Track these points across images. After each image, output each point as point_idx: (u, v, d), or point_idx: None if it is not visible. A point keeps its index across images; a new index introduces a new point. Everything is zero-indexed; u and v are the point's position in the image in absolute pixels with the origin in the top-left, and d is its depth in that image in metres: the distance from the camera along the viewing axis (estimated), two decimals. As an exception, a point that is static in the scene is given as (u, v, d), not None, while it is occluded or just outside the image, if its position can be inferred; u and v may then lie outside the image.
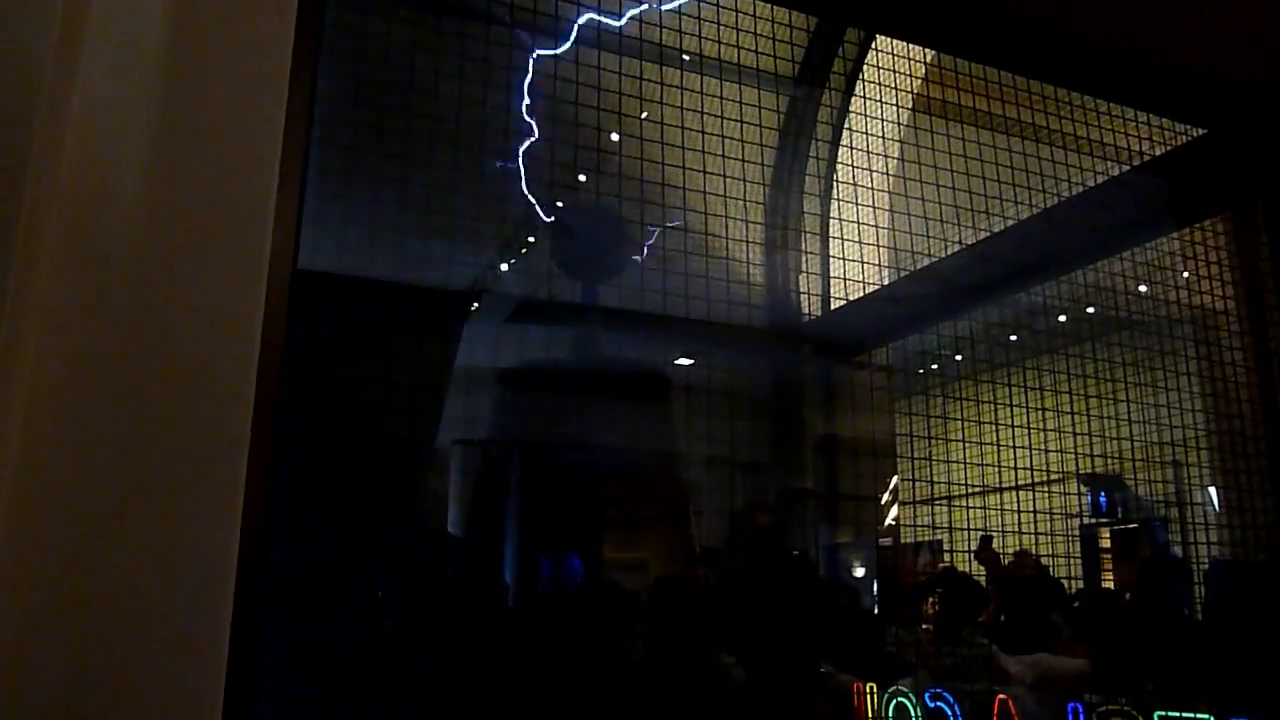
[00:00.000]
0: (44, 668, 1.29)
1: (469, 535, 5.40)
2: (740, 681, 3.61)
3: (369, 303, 3.70)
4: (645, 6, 3.77)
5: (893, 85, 4.57)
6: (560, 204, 5.54)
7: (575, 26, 3.79)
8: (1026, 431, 4.43)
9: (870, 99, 4.60)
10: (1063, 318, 5.22)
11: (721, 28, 3.94)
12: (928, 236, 4.30)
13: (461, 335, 4.43)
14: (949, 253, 5.00)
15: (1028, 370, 4.70)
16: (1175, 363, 4.83)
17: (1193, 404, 4.85)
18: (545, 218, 5.42)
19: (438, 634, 3.33)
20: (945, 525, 4.97)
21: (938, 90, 4.62)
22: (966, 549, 5.16)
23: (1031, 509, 4.72)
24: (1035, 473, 4.55)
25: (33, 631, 1.27)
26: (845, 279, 4.40)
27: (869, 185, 4.47)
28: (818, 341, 6.73)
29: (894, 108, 4.75)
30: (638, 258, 4.57)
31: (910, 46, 4.69)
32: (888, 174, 4.72)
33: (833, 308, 6.17)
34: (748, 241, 4.61)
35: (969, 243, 4.93)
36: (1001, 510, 4.58)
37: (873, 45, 5.24)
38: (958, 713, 3.50)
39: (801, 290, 6.49)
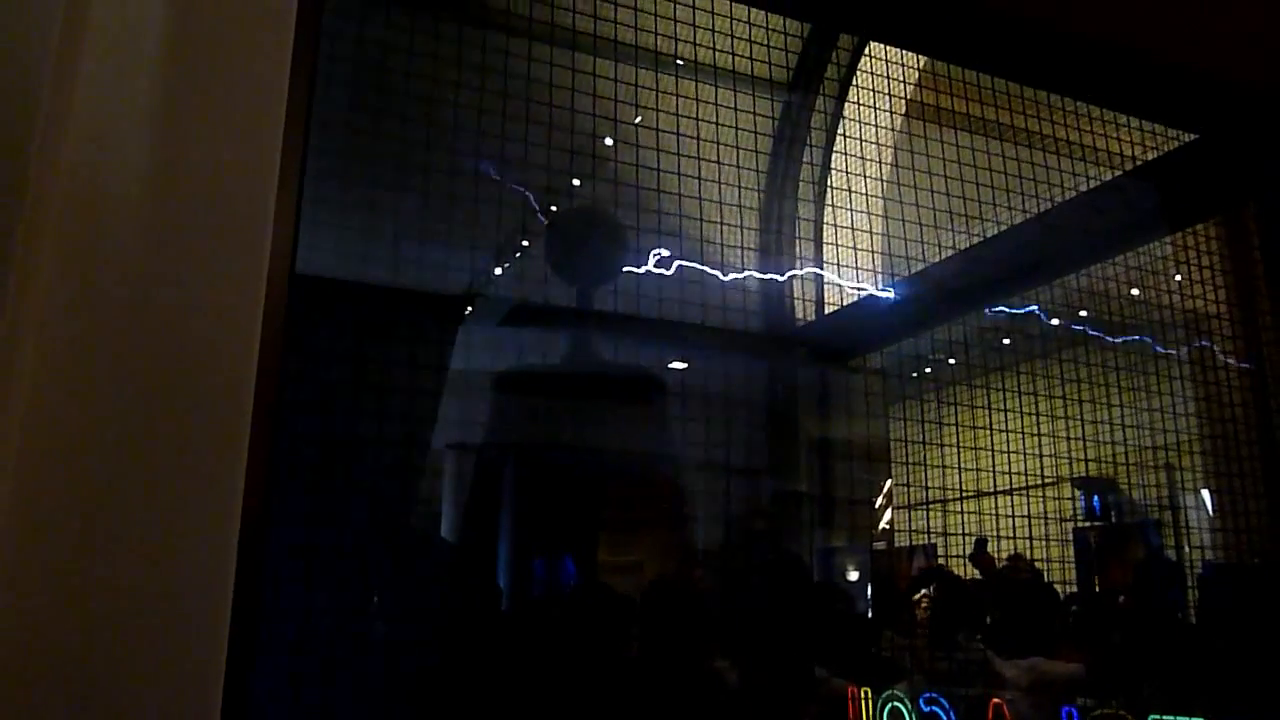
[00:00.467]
0: (42, 666, 1.29)
1: (463, 538, 5.40)
2: (735, 685, 3.61)
3: (362, 306, 3.70)
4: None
5: (886, 91, 4.58)
6: (554, 208, 5.55)
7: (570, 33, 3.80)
8: (1020, 435, 4.45)
9: (864, 104, 4.62)
10: (1055, 321, 5.23)
11: (715, 34, 3.96)
12: (922, 241, 4.32)
13: (456, 339, 4.44)
14: (942, 257, 5.02)
15: (1021, 374, 4.71)
16: (1168, 366, 4.85)
17: (1185, 407, 4.86)
18: (540, 221, 5.43)
19: (433, 637, 3.33)
20: (940, 529, 4.97)
21: (931, 96, 4.64)
22: (961, 553, 5.17)
23: (1025, 512, 4.73)
24: (1029, 476, 4.57)
25: (31, 629, 1.27)
26: (841, 283, 4.40)
27: (863, 190, 4.48)
28: (812, 345, 6.74)
29: (887, 113, 4.76)
30: (632, 267, 4.58)
31: (903, 52, 4.71)
32: (882, 179, 4.73)
33: (826, 312, 6.18)
34: (742, 247, 4.62)
35: (962, 247, 4.95)
36: (996, 514, 4.59)
37: (866, 51, 5.26)
38: (952, 717, 3.51)
39: (795, 294, 6.50)
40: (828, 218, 5.93)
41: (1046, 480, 4.79)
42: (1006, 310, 5.26)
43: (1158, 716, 3.41)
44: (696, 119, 3.92)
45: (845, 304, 5.30)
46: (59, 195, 1.36)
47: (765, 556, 5.26)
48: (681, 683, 3.53)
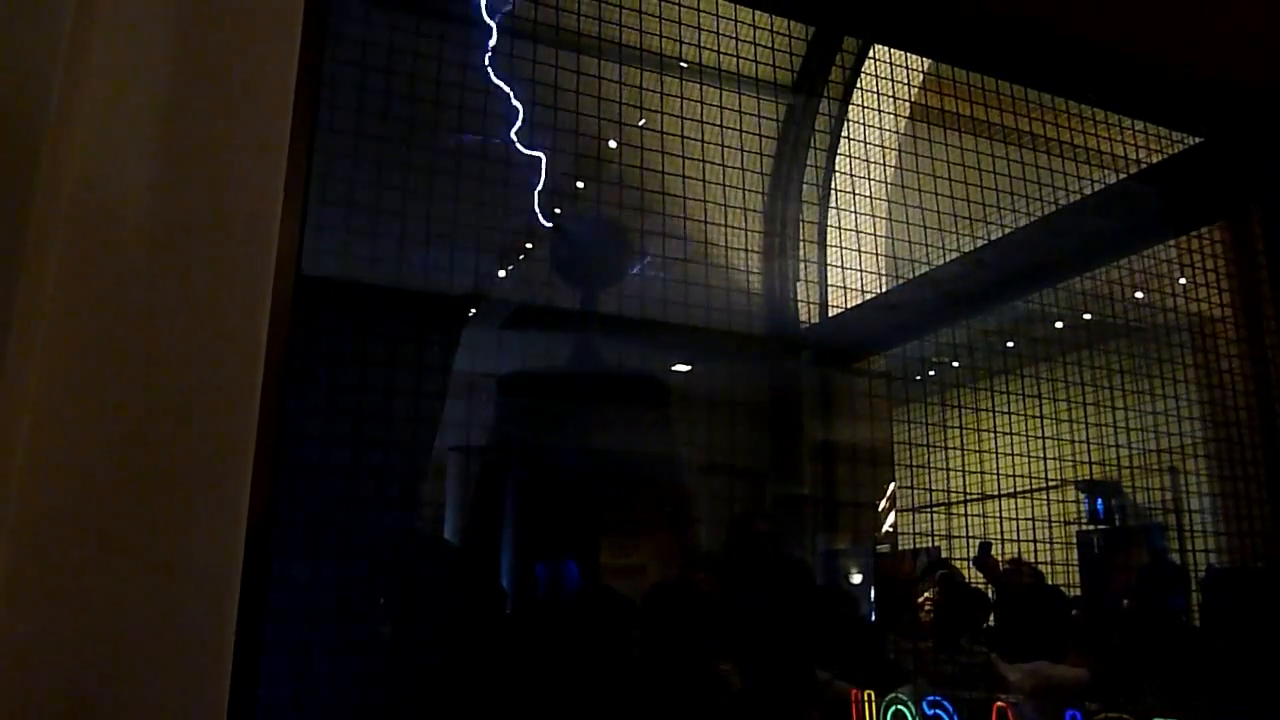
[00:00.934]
0: (50, 667, 1.29)
1: (467, 541, 5.40)
2: (738, 688, 3.61)
3: (366, 308, 3.70)
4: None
5: (890, 93, 4.58)
6: (558, 210, 5.55)
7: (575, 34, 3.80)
8: (1024, 438, 4.44)
9: (868, 107, 4.62)
10: (1059, 325, 5.23)
11: (720, 36, 3.96)
12: (926, 244, 4.31)
13: (459, 341, 4.44)
14: (946, 260, 5.01)
15: (1025, 377, 4.71)
16: (1172, 370, 4.85)
17: (1189, 410, 4.85)
18: (544, 224, 5.43)
19: (438, 639, 3.33)
20: (943, 532, 4.97)
21: (935, 99, 4.64)
22: (965, 555, 5.16)
23: (1029, 516, 4.73)
24: (1032, 479, 4.56)
25: (40, 629, 1.28)
26: (845, 286, 4.40)
27: (867, 193, 4.48)
28: (815, 348, 6.74)
29: (891, 116, 4.76)
30: (636, 269, 4.58)
31: (907, 55, 4.71)
32: (886, 182, 4.73)
33: (830, 314, 6.18)
34: (746, 249, 4.62)
35: (966, 250, 4.95)
36: (1001, 516, 4.58)
37: (870, 54, 5.26)
38: (956, 720, 3.50)
39: (799, 297, 6.50)
40: (831, 220, 5.93)
41: (1050, 483, 4.78)
42: (1010, 313, 5.26)
43: (1162, 720, 3.40)
44: (701, 121, 3.92)
45: (849, 306, 5.30)
46: (66, 198, 1.36)
47: (768, 559, 5.25)
48: (685, 685, 3.53)
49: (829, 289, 6.16)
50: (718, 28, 3.92)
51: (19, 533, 1.28)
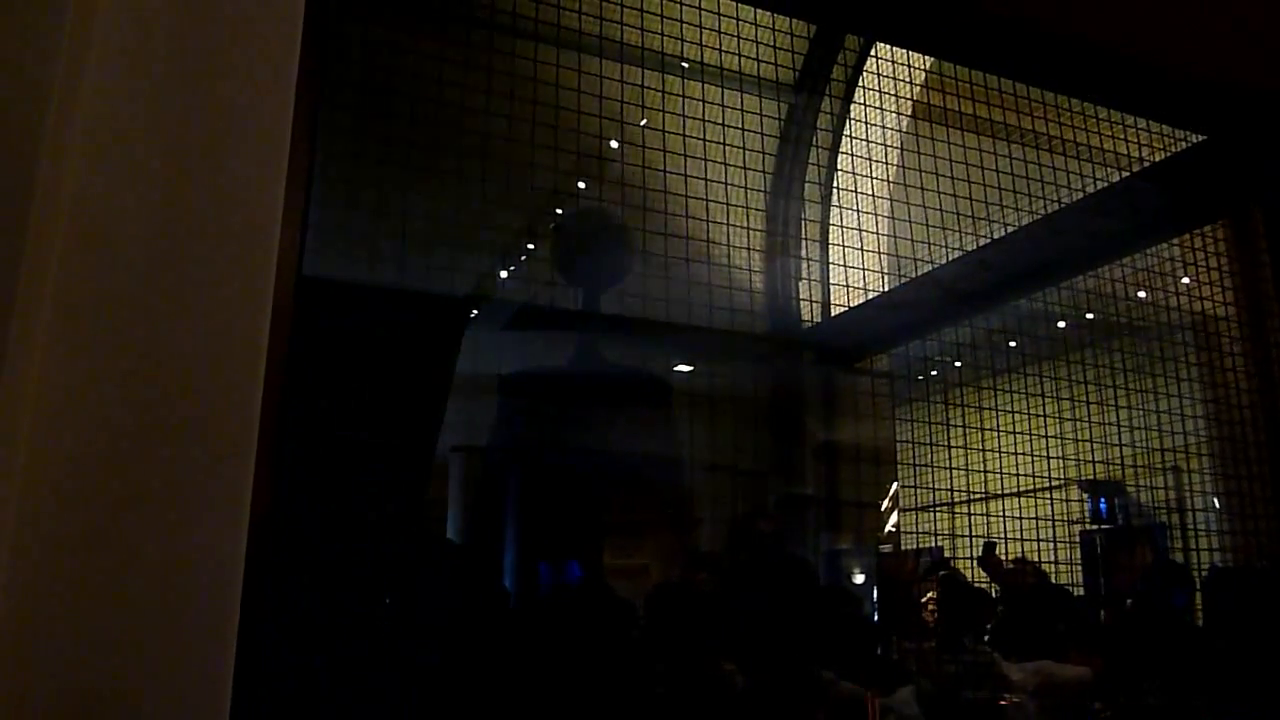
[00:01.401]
0: (51, 667, 1.29)
1: (470, 541, 5.40)
2: (741, 689, 3.60)
3: (367, 308, 3.70)
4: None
5: (892, 92, 4.57)
6: (560, 210, 5.55)
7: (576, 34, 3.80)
8: (1028, 437, 4.43)
9: (870, 105, 4.61)
10: (1062, 324, 5.22)
11: (722, 35, 3.95)
12: (928, 243, 4.31)
13: (461, 341, 4.44)
14: (949, 259, 5.01)
15: (1028, 376, 4.70)
16: (1175, 369, 4.84)
17: (1194, 410, 4.85)
18: (546, 224, 5.43)
19: (441, 640, 3.33)
20: (946, 532, 4.96)
21: (937, 97, 4.63)
22: (969, 554, 5.15)
23: (1034, 515, 4.72)
24: (1035, 479, 4.55)
25: (40, 630, 1.27)
26: (847, 285, 4.39)
27: (869, 192, 4.48)
28: (818, 348, 6.73)
29: (894, 114, 4.75)
30: (637, 270, 4.57)
31: (909, 54, 4.71)
32: (888, 180, 4.73)
33: (833, 314, 6.17)
34: (749, 248, 4.61)
35: (969, 249, 4.94)
36: (1004, 515, 4.57)
37: (872, 52, 5.26)
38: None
39: (802, 297, 6.49)
40: (833, 218, 5.92)
41: (1054, 483, 4.77)
42: (1013, 312, 5.25)
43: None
44: (703, 120, 3.92)
45: (851, 306, 5.29)
46: (67, 200, 1.36)
47: (771, 559, 5.25)
48: (689, 686, 3.53)
49: (831, 288, 6.16)
50: (719, 26, 3.91)
51: (21, 530, 1.28)
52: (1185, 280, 5.02)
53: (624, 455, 5.74)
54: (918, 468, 4.72)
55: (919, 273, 4.71)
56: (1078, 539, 6.69)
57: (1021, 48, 3.84)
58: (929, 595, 5.20)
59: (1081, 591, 6.10)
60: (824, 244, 6.21)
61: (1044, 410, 4.45)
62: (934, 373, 5.66)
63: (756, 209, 5.25)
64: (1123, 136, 4.59)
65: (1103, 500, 6.71)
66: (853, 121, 5.55)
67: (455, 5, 4.44)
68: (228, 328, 1.49)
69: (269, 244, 1.52)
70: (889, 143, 4.78)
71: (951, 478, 4.38)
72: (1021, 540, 4.69)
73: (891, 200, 4.58)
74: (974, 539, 4.78)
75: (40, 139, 1.26)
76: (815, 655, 3.72)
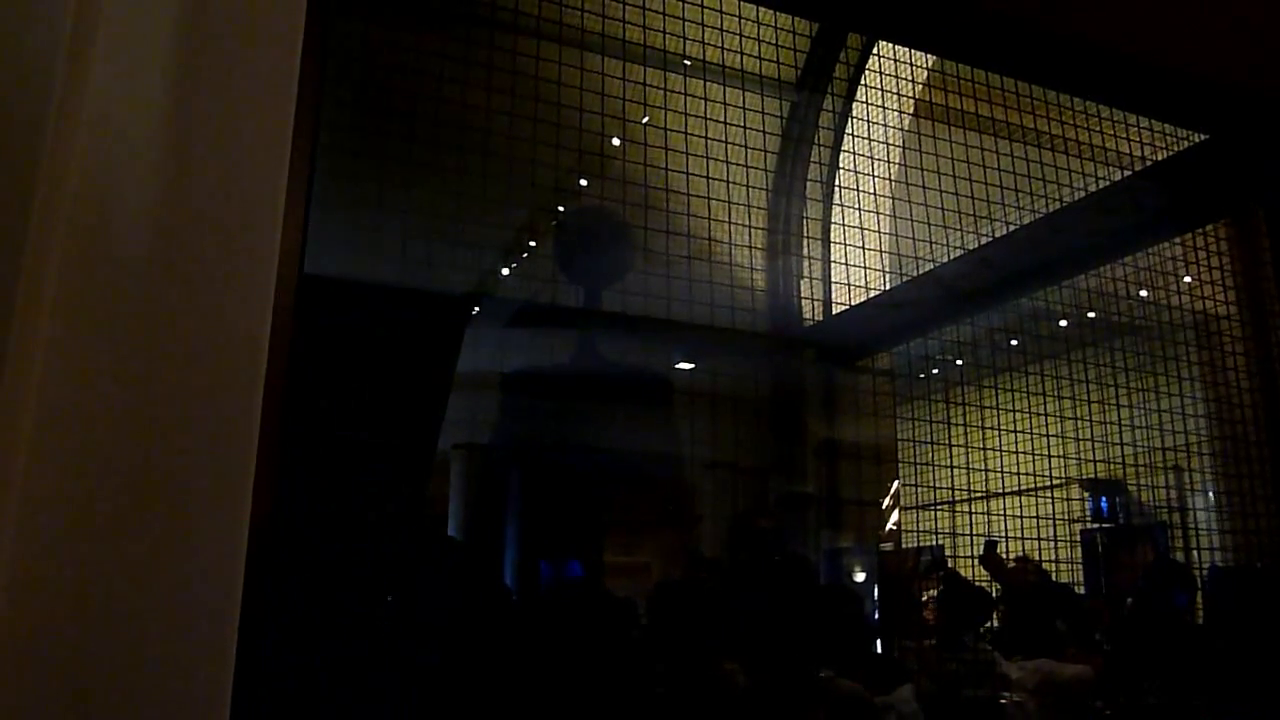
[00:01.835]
0: (53, 668, 1.29)
1: (471, 539, 5.40)
2: (742, 687, 3.61)
3: (369, 307, 3.70)
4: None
5: (894, 90, 4.57)
6: (561, 208, 5.54)
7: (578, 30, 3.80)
8: (1029, 436, 4.43)
9: (872, 104, 4.61)
10: (1064, 323, 5.22)
11: (724, 33, 3.95)
12: (930, 241, 4.30)
13: (461, 339, 4.44)
14: (950, 258, 5.00)
15: (1029, 375, 4.70)
16: (1177, 368, 4.84)
17: (1195, 409, 4.84)
18: (547, 222, 5.42)
19: (443, 639, 3.33)
20: (948, 530, 4.96)
21: (940, 95, 4.63)
22: (970, 553, 5.15)
23: (1034, 514, 4.72)
24: (1036, 478, 4.55)
25: (41, 629, 1.27)
26: (849, 284, 4.39)
27: (871, 191, 4.47)
28: (819, 346, 6.73)
29: (896, 113, 4.75)
30: (639, 267, 4.57)
31: (912, 52, 4.70)
32: (890, 179, 4.72)
33: (834, 312, 6.17)
34: (750, 247, 4.61)
35: (970, 247, 4.94)
36: (1005, 514, 4.57)
37: (874, 50, 5.25)
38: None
39: (803, 295, 6.49)
40: (835, 217, 5.92)
41: (1055, 482, 4.77)
42: (1015, 310, 5.25)
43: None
44: (705, 118, 3.91)
45: (853, 304, 5.29)
46: (68, 198, 1.36)
47: (771, 557, 5.25)
48: (690, 685, 3.53)
49: (832, 287, 6.16)
50: (721, 24, 3.91)
51: (21, 533, 1.28)
52: (1187, 279, 5.02)
53: (625, 453, 5.74)
54: (918, 466, 4.72)
55: (920, 271, 4.70)
56: (1078, 538, 6.69)
57: (1022, 46, 3.84)
58: (929, 594, 5.20)
59: (1082, 590, 6.11)
60: (825, 242, 6.21)
61: (1045, 409, 4.44)
62: (935, 371, 5.65)
63: (758, 207, 5.24)
64: (1124, 135, 4.59)
65: (1104, 499, 6.71)
66: (855, 120, 5.55)
67: (455, 2, 4.44)
68: (230, 326, 1.48)
69: (271, 242, 1.52)
70: (891, 141, 4.77)
71: (953, 476, 4.38)
72: (1022, 539, 4.69)
73: (894, 199, 4.58)
74: (975, 538, 4.78)
75: (43, 142, 1.26)
76: (815, 654, 3.72)
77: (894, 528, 6.85)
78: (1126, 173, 4.66)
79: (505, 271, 6.04)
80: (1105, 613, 5.42)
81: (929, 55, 4.78)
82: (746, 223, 4.31)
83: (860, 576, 6.86)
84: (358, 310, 3.55)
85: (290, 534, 2.21)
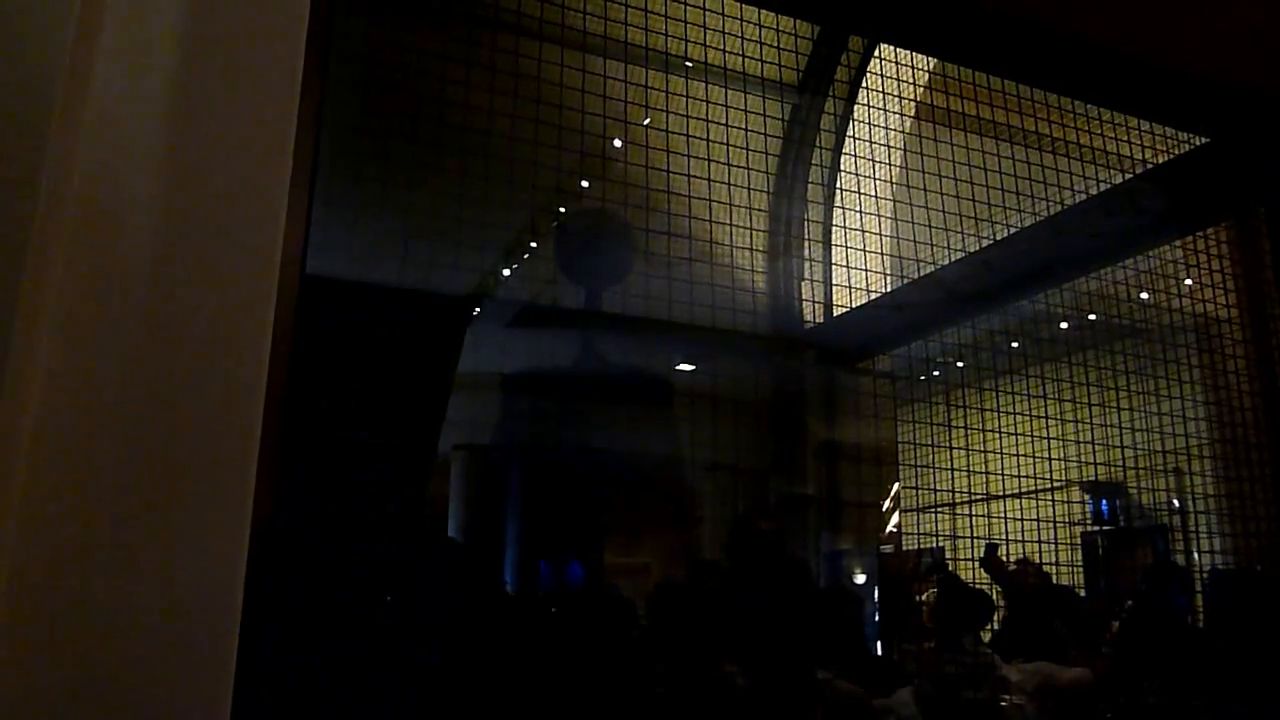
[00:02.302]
0: (54, 667, 1.29)
1: (471, 540, 5.40)
2: (742, 688, 3.60)
3: (369, 307, 3.70)
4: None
5: (895, 93, 4.57)
6: (562, 210, 5.55)
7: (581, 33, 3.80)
8: (1030, 439, 4.43)
9: (873, 106, 4.61)
10: (1064, 325, 5.22)
11: (726, 35, 3.95)
12: (931, 244, 4.30)
13: (462, 340, 4.44)
14: (951, 260, 5.01)
15: (1030, 377, 4.70)
16: (1178, 370, 4.83)
17: (1195, 412, 4.84)
18: (548, 223, 5.43)
19: (443, 639, 3.33)
20: (948, 532, 4.96)
21: (941, 98, 4.63)
22: (970, 556, 5.15)
23: (1035, 516, 4.72)
24: (1038, 480, 4.55)
25: (44, 630, 1.28)
26: (850, 285, 4.39)
27: (872, 193, 4.47)
28: (820, 348, 6.73)
29: (897, 115, 4.75)
30: (639, 269, 4.57)
31: (913, 55, 4.70)
32: (891, 181, 4.72)
33: (835, 314, 6.17)
34: (751, 249, 4.61)
35: (971, 250, 4.94)
36: (1006, 516, 4.57)
37: (876, 53, 5.25)
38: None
39: (804, 297, 6.49)
40: (836, 219, 5.92)
41: (1055, 484, 4.77)
42: (1015, 313, 5.25)
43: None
44: (707, 120, 3.91)
45: (853, 306, 5.29)
46: (72, 198, 1.36)
47: (771, 558, 5.25)
48: (689, 686, 3.53)
49: (833, 289, 6.15)
50: (723, 27, 3.91)
51: (23, 529, 1.28)
52: (1188, 282, 5.02)
53: (625, 454, 5.74)
54: (919, 468, 4.72)
55: (921, 273, 4.71)
56: (1079, 541, 6.70)
57: (1023, 48, 3.84)
58: (927, 594, 5.20)
59: (1083, 593, 6.11)
60: (826, 244, 6.21)
61: (1045, 411, 4.44)
62: (935, 374, 5.66)
63: (759, 209, 5.25)
64: (1125, 138, 4.59)
65: (1104, 501, 6.72)
66: (856, 123, 5.55)
67: (457, 3, 4.44)
68: (232, 326, 1.49)
69: (274, 242, 1.52)
70: (892, 143, 4.77)
71: (953, 479, 4.38)
72: (1023, 541, 4.69)
73: (895, 201, 4.58)
74: (975, 540, 4.78)
75: (46, 142, 1.26)
76: (814, 655, 3.72)
77: (894, 530, 6.85)
78: (1127, 175, 4.67)
79: (506, 273, 6.04)
80: (1108, 620, 5.42)
81: (929, 58, 4.78)
82: (747, 225, 4.31)
83: (860, 578, 6.86)
84: (356, 311, 3.55)
85: (290, 534, 2.21)
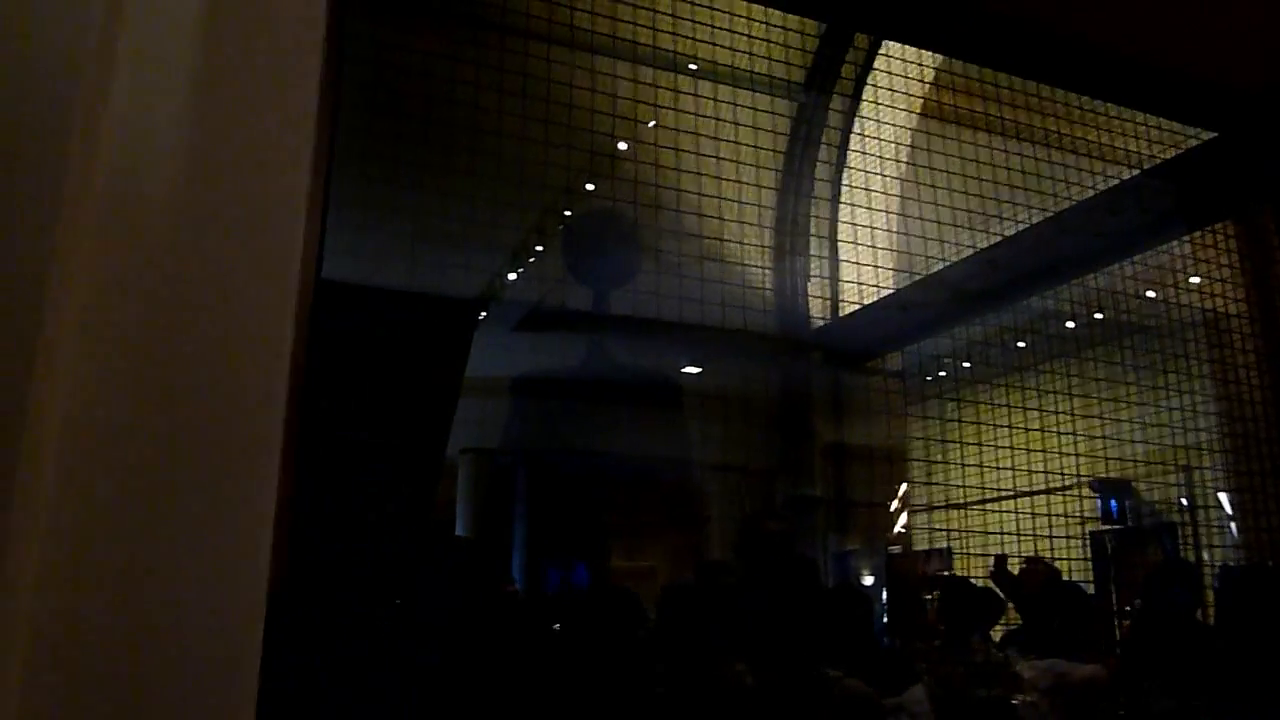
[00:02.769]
0: (76, 675, 1.29)
1: (481, 542, 5.40)
2: (751, 688, 3.59)
3: (379, 311, 3.69)
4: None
5: (904, 90, 4.56)
6: (569, 212, 5.55)
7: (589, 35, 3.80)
8: (1041, 435, 4.42)
9: (881, 103, 4.59)
10: (1071, 324, 5.21)
11: (734, 35, 3.94)
12: (940, 239, 4.29)
13: (471, 343, 4.44)
14: (959, 258, 4.99)
15: (1040, 373, 4.69)
16: (1187, 365, 4.81)
17: (1205, 408, 4.83)
18: (555, 224, 5.42)
19: (450, 641, 3.32)
20: (959, 530, 4.94)
21: (947, 95, 4.61)
22: (981, 553, 5.12)
23: (1046, 514, 4.69)
24: (1049, 475, 4.52)
25: (66, 635, 1.27)
26: (859, 282, 4.38)
27: (880, 190, 4.46)
28: (827, 348, 6.72)
29: (905, 112, 4.74)
30: (648, 269, 4.57)
31: (919, 52, 4.69)
32: (900, 178, 4.71)
33: (842, 314, 6.17)
34: (760, 245, 4.60)
35: (979, 247, 4.93)
36: (1018, 512, 4.55)
37: (882, 51, 5.24)
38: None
39: (813, 293, 6.48)
40: (844, 215, 5.92)
41: (1065, 483, 4.74)
42: (1023, 311, 5.24)
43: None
44: (716, 118, 3.91)
45: (862, 304, 5.29)
46: (95, 197, 1.36)
47: (780, 558, 5.24)
48: (697, 684, 3.52)
49: (840, 286, 6.15)
50: (731, 25, 3.90)
51: (53, 528, 1.28)
52: (1195, 279, 5.00)
53: (633, 456, 5.73)
54: (929, 467, 4.71)
55: (929, 271, 4.69)
56: (1088, 539, 6.67)
57: (1029, 45, 3.84)
58: (934, 594, 5.18)
59: (1091, 591, 6.08)
60: (833, 243, 6.21)
61: (1056, 407, 4.43)
62: (943, 373, 5.64)
63: (767, 206, 5.24)
64: (1134, 134, 4.58)
65: (1113, 500, 6.69)
66: (863, 119, 5.54)
67: (465, 7, 4.44)
68: (254, 330, 1.48)
69: (294, 244, 1.52)
70: (900, 140, 4.76)
71: (964, 476, 4.37)
72: (1035, 537, 4.66)
73: (903, 197, 4.57)
74: (986, 535, 4.76)
75: (70, 145, 1.26)
76: (824, 654, 3.71)
77: (902, 530, 6.84)
78: (1135, 172, 4.65)
79: (513, 276, 6.04)
80: (1118, 618, 5.40)
81: (935, 55, 4.77)
82: (756, 222, 4.31)
83: (869, 579, 6.85)
84: (365, 314, 3.54)
85: (294, 536, 2.21)
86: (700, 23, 3.82)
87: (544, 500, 5.57)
